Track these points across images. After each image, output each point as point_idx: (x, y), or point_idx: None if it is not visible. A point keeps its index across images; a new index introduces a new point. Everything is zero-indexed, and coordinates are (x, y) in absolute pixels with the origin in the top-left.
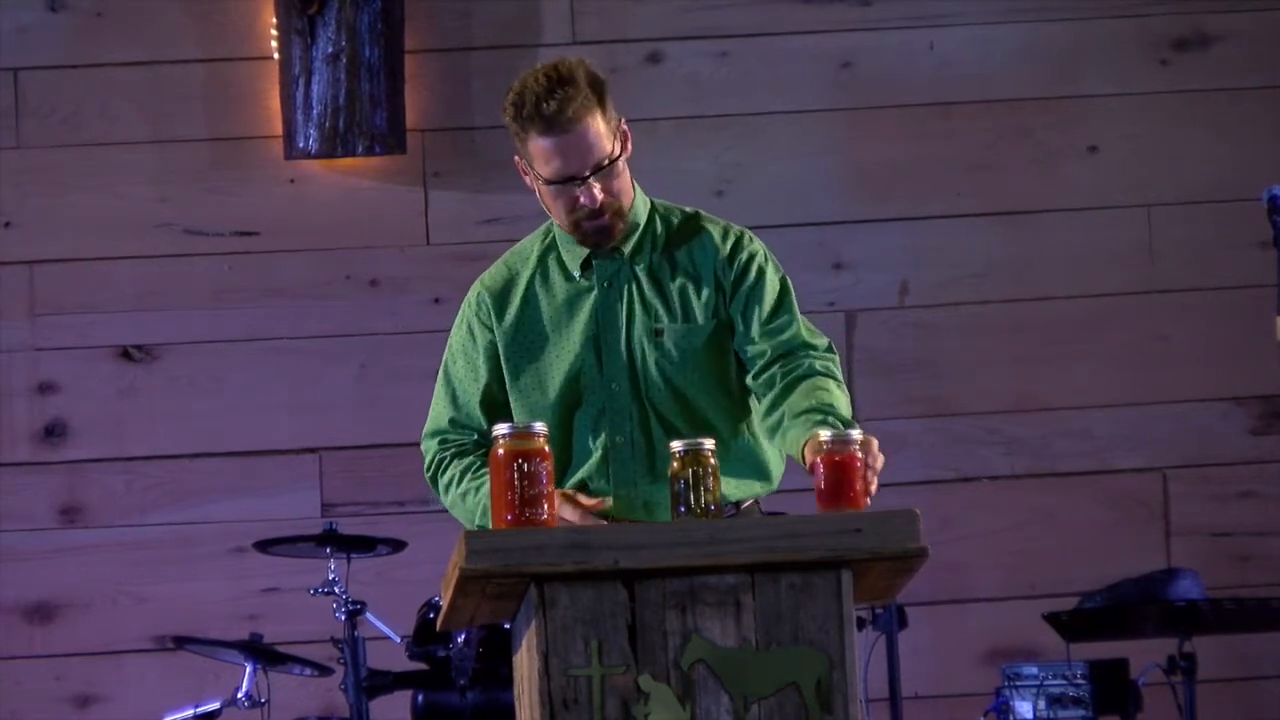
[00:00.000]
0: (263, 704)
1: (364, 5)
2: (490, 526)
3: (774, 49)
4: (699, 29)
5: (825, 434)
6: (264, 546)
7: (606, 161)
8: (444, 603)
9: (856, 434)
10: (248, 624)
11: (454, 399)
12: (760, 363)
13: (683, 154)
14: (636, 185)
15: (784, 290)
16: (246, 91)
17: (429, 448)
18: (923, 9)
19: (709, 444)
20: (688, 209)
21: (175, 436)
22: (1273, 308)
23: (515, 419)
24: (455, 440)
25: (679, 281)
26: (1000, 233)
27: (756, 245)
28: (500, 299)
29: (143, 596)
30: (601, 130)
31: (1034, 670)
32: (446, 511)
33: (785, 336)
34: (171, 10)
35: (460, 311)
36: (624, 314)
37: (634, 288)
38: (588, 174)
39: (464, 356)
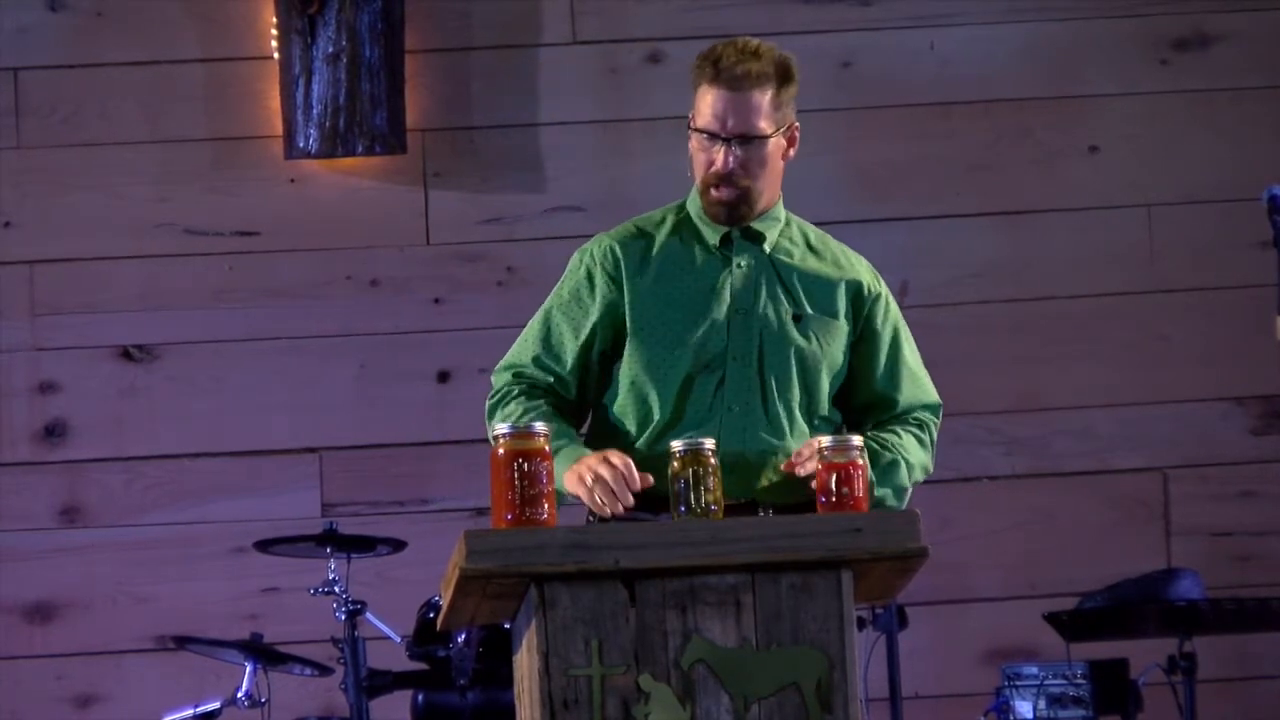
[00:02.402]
0: (263, 704)
1: (364, 5)
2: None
3: None
4: (699, 29)
5: (826, 440)
6: (264, 546)
7: (754, 135)
8: (444, 603)
9: (857, 440)
10: (248, 624)
11: (547, 339)
12: (878, 411)
13: (683, 154)
14: (780, 194)
15: (910, 337)
16: (246, 91)
17: (501, 379)
18: (923, 9)
19: (709, 444)
20: (821, 229)
21: (175, 436)
22: (1273, 308)
23: (626, 373)
24: (531, 377)
25: (819, 284)
26: (1000, 233)
27: (885, 285)
28: (633, 254)
29: (143, 596)
30: (764, 108)
31: (1034, 670)
32: (446, 511)
33: (913, 392)
34: (171, 10)
35: (577, 260)
36: (763, 295)
37: (773, 274)
38: (731, 137)
39: (575, 303)
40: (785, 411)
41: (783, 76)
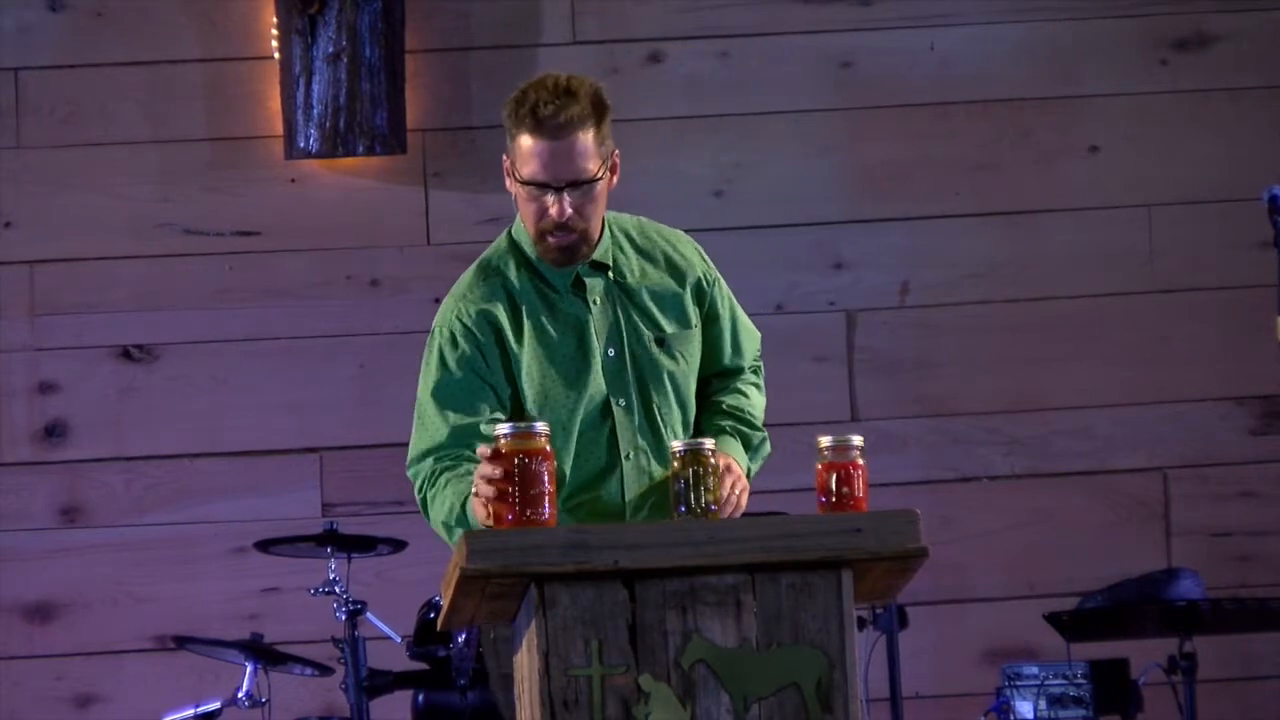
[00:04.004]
0: (263, 704)
1: (364, 5)
2: (468, 523)
3: (774, 49)
4: (699, 29)
5: (826, 440)
6: (264, 546)
7: (585, 180)
8: (444, 603)
9: (857, 440)
10: (248, 624)
11: (447, 413)
12: (716, 383)
13: (682, 154)
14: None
15: (734, 302)
16: (246, 91)
17: (420, 470)
18: (923, 9)
19: (709, 444)
20: (630, 217)
21: (175, 436)
22: (1273, 308)
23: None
24: (452, 453)
25: (664, 289)
26: (1000, 233)
27: (711, 265)
28: (504, 316)
29: (143, 596)
30: (590, 149)
31: (1034, 670)
32: None
33: (741, 350)
34: (171, 10)
35: (447, 335)
36: (624, 328)
37: (625, 301)
38: (562, 185)
39: (461, 367)
40: (667, 433)
41: (600, 111)
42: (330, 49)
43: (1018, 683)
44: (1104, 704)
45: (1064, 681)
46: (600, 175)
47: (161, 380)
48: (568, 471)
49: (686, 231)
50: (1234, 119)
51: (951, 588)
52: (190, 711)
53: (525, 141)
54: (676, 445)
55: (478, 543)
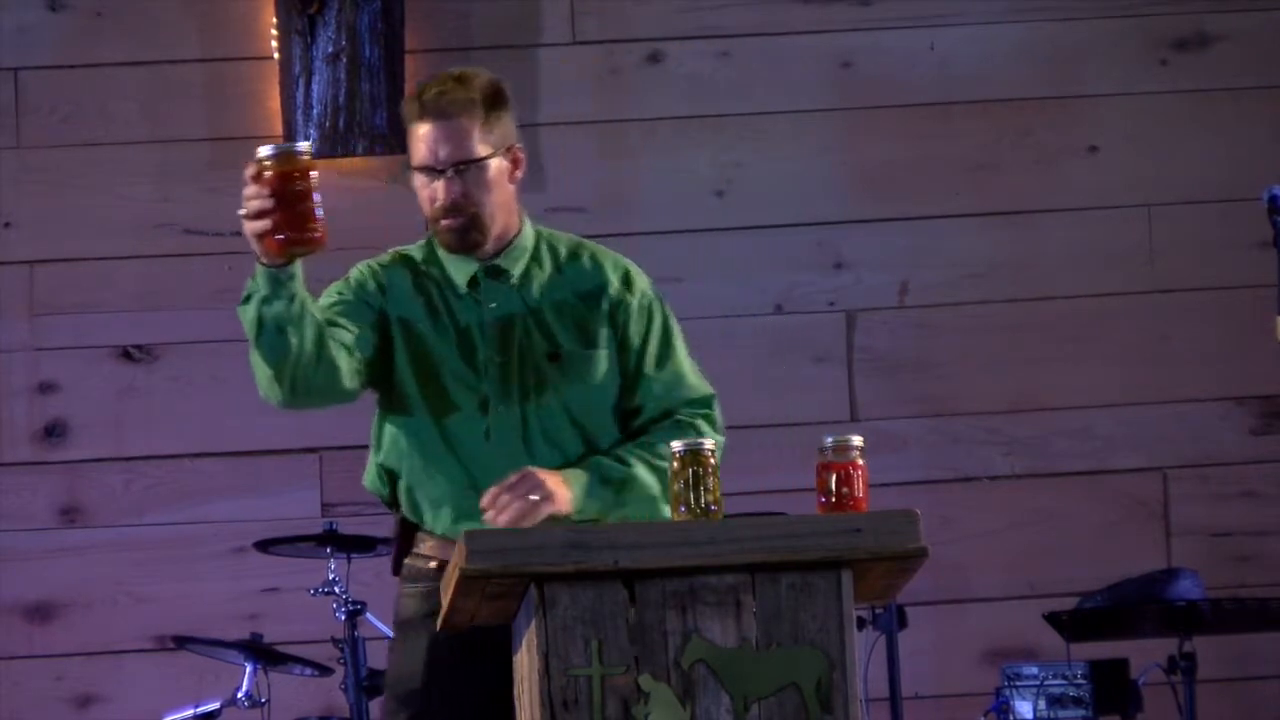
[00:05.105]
0: (263, 704)
1: (364, 5)
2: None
3: (774, 49)
4: (699, 29)
5: (826, 441)
6: (264, 546)
7: (470, 160)
8: (444, 603)
9: (857, 440)
10: (248, 624)
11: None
12: (640, 419)
13: (683, 154)
14: (525, 215)
15: (668, 335)
16: (246, 91)
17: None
18: (923, 9)
19: (709, 444)
20: (573, 236)
21: (175, 436)
22: (1273, 308)
23: (386, 424)
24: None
25: (573, 308)
26: (1000, 233)
27: (645, 282)
28: (395, 282)
29: (143, 596)
30: (476, 133)
31: (1034, 670)
32: None
33: (666, 391)
34: (171, 10)
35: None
36: (517, 338)
37: (525, 310)
38: (447, 167)
39: (347, 289)
40: (557, 454)
41: (492, 100)
42: (330, 49)
43: (1017, 683)
44: (1104, 704)
45: (1064, 681)
46: (488, 158)
47: (161, 380)
48: (452, 469)
49: (685, 232)
50: (1234, 119)
51: (951, 588)
52: (190, 711)
53: (415, 129)
54: (676, 445)
55: (478, 543)
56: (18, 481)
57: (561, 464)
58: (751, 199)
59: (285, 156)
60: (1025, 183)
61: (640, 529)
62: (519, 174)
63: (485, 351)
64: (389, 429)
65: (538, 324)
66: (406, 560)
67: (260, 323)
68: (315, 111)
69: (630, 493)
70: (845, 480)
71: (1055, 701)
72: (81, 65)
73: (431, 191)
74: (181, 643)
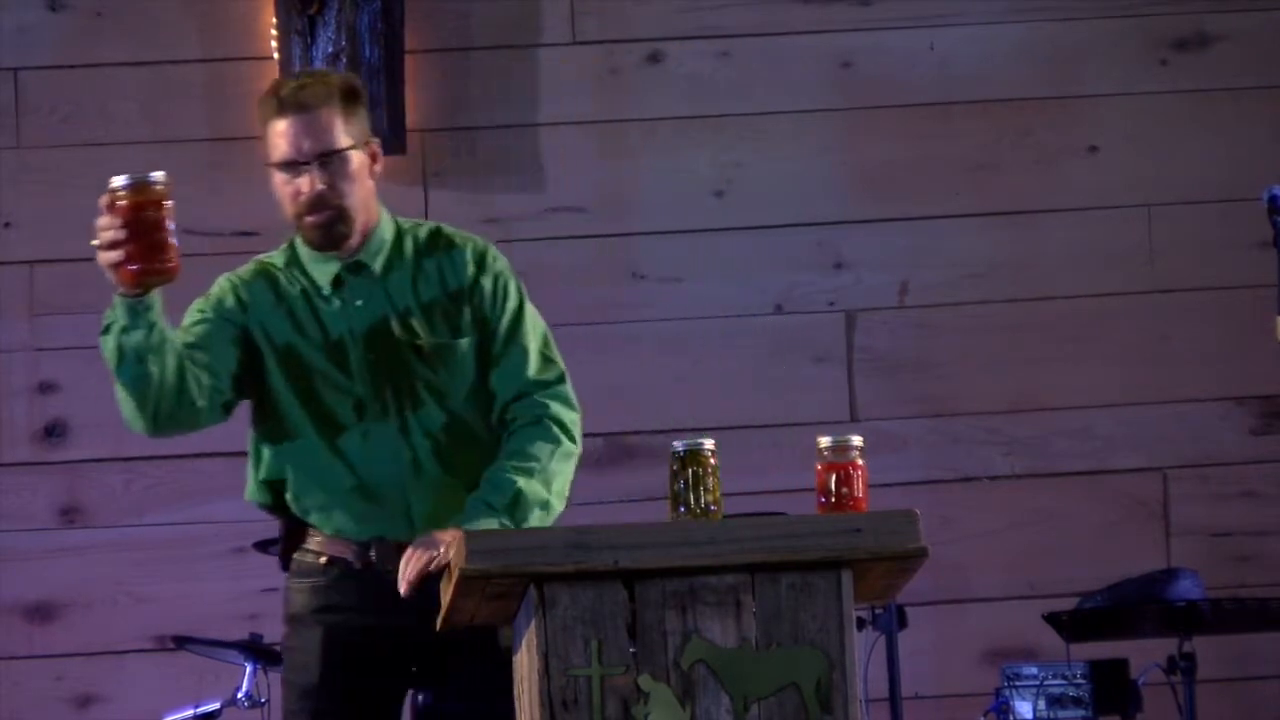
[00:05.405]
0: (263, 704)
1: (364, 5)
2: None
3: (774, 49)
4: (699, 29)
5: (826, 441)
6: (264, 546)
7: (332, 151)
8: (444, 603)
9: (857, 440)
10: (248, 624)
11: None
12: (499, 401)
13: (683, 154)
14: (383, 207)
15: (519, 315)
16: (246, 91)
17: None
18: (923, 9)
19: (709, 444)
20: (429, 223)
21: (175, 437)
22: (1273, 308)
23: (265, 436)
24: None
25: (436, 297)
26: (1000, 233)
27: (500, 265)
28: (256, 296)
29: (143, 596)
30: (336, 124)
31: (1034, 670)
32: None
33: (514, 372)
34: (171, 10)
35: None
36: (384, 334)
37: (390, 305)
38: (310, 159)
39: (206, 308)
40: (434, 445)
41: (348, 95)
42: (330, 49)
43: (1017, 683)
44: (1103, 704)
45: (1063, 682)
46: (350, 149)
47: None
48: (338, 473)
49: (686, 232)
50: (1234, 119)
51: (951, 588)
52: (190, 711)
53: (273, 125)
54: (677, 445)
55: (477, 543)
56: (18, 481)
57: (440, 453)
58: (751, 199)
59: (139, 187)
60: (1025, 183)
61: (640, 529)
62: (378, 169)
63: (355, 352)
64: (269, 440)
65: (403, 318)
66: (295, 555)
67: (121, 352)
68: None
69: (521, 509)
70: (845, 480)
71: (1055, 702)
72: (81, 65)
73: (295, 187)
74: (181, 643)
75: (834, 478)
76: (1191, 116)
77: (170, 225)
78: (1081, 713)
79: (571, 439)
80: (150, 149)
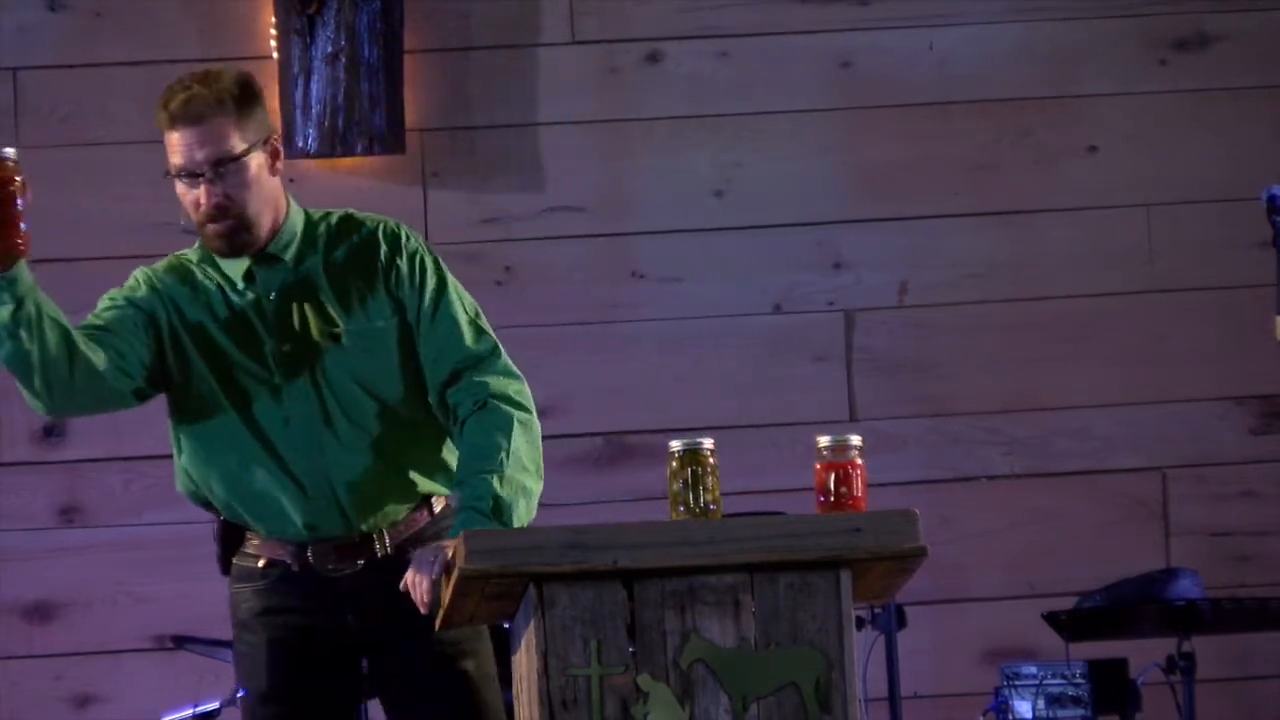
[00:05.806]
0: None
1: (363, 5)
2: None
3: (774, 49)
4: (699, 29)
5: (825, 440)
6: None
7: (226, 159)
8: (444, 603)
9: (856, 440)
10: None
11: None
12: (434, 382)
13: (683, 154)
14: (291, 198)
15: (441, 290)
16: None
17: None
18: (923, 9)
19: (708, 444)
20: (340, 211)
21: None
22: (1272, 307)
23: (185, 430)
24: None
25: (351, 283)
26: (999, 232)
27: (415, 243)
28: (172, 289)
29: (142, 596)
30: (229, 133)
31: (1033, 670)
32: None
33: (447, 347)
34: (171, 10)
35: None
36: (297, 323)
37: (304, 295)
38: (204, 170)
39: (124, 296)
40: (362, 432)
41: (241, 97)
42: (329, 49)
43: (1016, 682)
44: (1103, 704)
45: (1063, 681)
46: (246, 154)
47: None
48: (263, 462)
49: (685, 232)
50: (1234, 119)
51: (950, 587)
52: (189, 711)
53: (168, 137)
54: (676, 445)
55: (476, 543)
56: (17, 481)
57: (370, 441)
58: (751, 199)
59: None
60: (1025, 183)
61: (639, 529)
62: (279, 165)
63: (270, 343)
64: (190, 434)
65: (317, 306)
66: (235, 559)
67: None
68: (314, 111)
69: (505, 511)
70: (844, 480)
71: (1054, 701)
72: (81, 65)
73: (194, 197)
74: (181, 643)
75: (833, 477)
76: (1191, 116)
77: (20, 203)
78: (1081, 712)
79: (522, 408)
80: (150, 149)
